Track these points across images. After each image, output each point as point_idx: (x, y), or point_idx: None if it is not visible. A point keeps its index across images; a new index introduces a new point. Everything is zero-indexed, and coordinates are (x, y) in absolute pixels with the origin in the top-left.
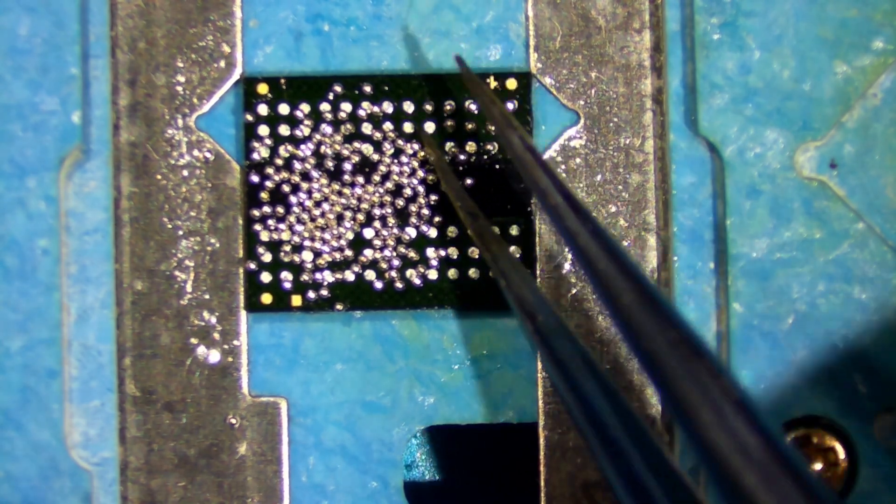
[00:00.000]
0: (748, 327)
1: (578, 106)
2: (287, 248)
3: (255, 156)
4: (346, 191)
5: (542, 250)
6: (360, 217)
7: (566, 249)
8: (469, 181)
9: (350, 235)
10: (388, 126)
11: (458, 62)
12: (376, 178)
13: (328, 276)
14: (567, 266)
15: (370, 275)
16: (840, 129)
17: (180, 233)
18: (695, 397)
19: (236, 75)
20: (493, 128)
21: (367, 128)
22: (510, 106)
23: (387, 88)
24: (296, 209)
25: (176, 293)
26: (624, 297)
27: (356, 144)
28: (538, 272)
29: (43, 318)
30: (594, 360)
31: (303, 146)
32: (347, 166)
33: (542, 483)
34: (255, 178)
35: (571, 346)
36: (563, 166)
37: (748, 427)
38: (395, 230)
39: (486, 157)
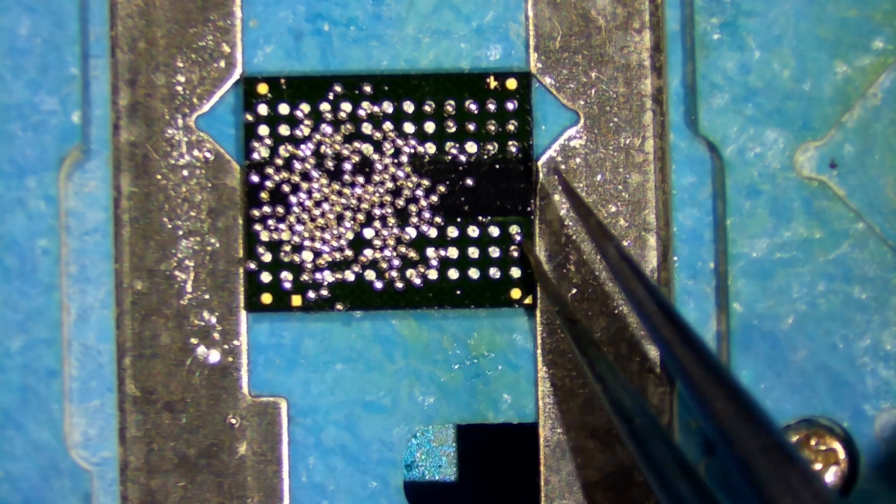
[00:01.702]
0: (748, 327)
1: (578, 106)
2: (287, 248)
3: (255, 156)
4: (346, 191)
5: (542, 250)
6: (360, 217)
7: (566, 252)
8: (469, 181)
9: (350, 235)
10: (388, 126)
11: (556, 173)
12: (376, 178)
13: (328, 276)
14: (567, 266)
15: (370, 275)
16: (840, 129)
17: (180, 233)
18: (787, 502)
19: (236, 75)
20: (589, 238)
21: (367, 128)
22: (510, 106)
23: (387, 88)
24: (296, 209)
25: (176, 293)
26: (717, 403)
27: (356, 144)
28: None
29: (43, 318)
30: (690, 462)
31: (303, 146)
32: (347, 166)
33: (542, 483)
34: (255, 178)
35: (668, 448)
36: (563, 166)
37: None
38: (395, 230)
39: (486, 157)
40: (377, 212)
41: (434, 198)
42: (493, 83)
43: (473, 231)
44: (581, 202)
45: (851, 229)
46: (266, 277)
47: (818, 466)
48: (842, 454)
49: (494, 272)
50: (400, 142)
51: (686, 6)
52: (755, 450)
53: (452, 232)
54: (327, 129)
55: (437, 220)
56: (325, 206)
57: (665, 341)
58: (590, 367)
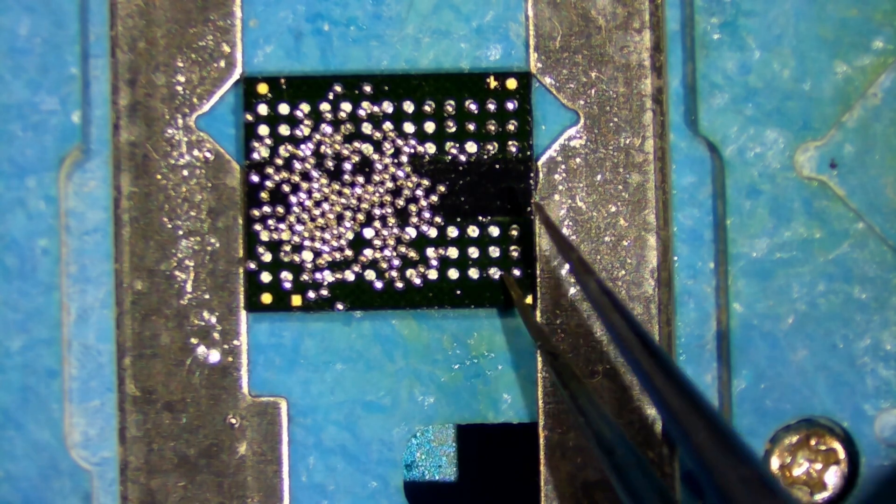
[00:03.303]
0: (748, 327)
1: (578, 106)
2: (287, 247)
3: (255, 156)
4: (346, 191)
5: (541, 250)
6: (360, 217)
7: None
8: (469, 181)
9: (350, 235)
10: (388, 126)
11: (538, 209)
12: (376, 178)
13: (328, 276)
14: (567, 266)
15: (370, 275)
16: (840, 129)
17: (180, 233)
18: None
19: (236, 75)
20: (570, 272)
21: (367, 128)
22: (510, 106)
23: (387, 88)
24: (296, 209)
25: (176, 293)
26: (698, 436)
27: (356, 144)
28: (538, 272)
29: (43, 318)
30: (671, 494)
31: (303, 146)
32: (347, 166)
33: (542, 483)
34: (255, 178)
35: (648, 481)
36: (563, 166)
37: None
38: (395, 230)
39: (486, 157)
40: (377, 212)
41: (434, 198)
42: (493, 83)
43: (473, 231)
44: (562, 237)
45: (851, 229)
46: (266, 277)
47: (818, 466)
48: (842, 454)
49: (494, 272)
50: (400, 142)
51: (686, 6)
52: (735, 481)
53: (452, 232)
54: (327, 129)
55: (437, 220)
56: (325, 206)
57: (645, 374)
58: (572, 401)
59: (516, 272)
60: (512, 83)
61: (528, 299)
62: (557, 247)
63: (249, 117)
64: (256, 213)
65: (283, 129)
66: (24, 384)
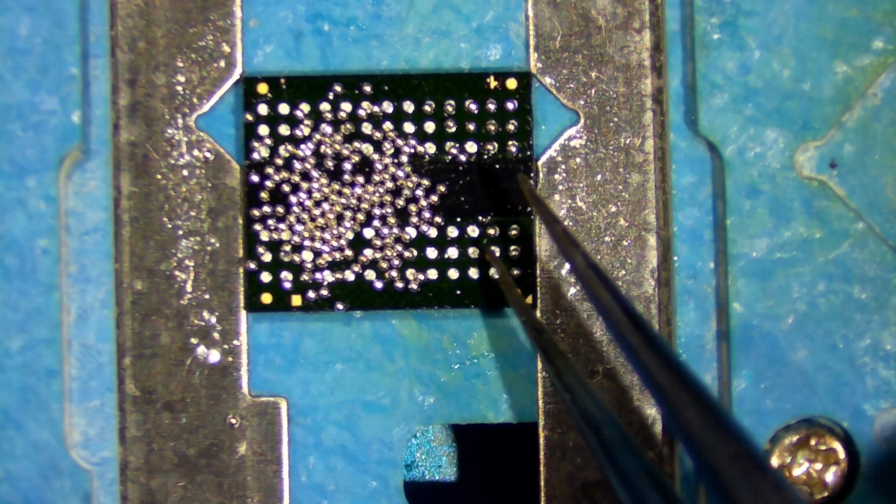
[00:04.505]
0: (748, 327)
1: (578, 106)
2: (287, 247)
3: (255, 155)
4: (346, 191)
5: (542, 250)
6: (360, 217)
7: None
8: (469, 181)
9: (350, 235)
10: (388, 126)
11: (522, 182)
12: (376, 178)
13: (328, 276)
14: (567, 266)
15: (370, 275)
16: (840, 129)
17: (180, 233)
18: None
19: (236, 75)
20: (555, 245)
21: (367, 128)
22: (510, 106)
23: (387, 88)
24: (296, 209)
25: (176, 293)
26: (686, 412)
27: (356, 144)
28: (538, 272)
29: (43, 318)
30: (658, 472)
31: (303, 146)
32: (347, 166)
33: (542, 483)
34: (255, 178)
35: (635, 459)
36: (563, 166)
37: None
38: (395, 230)
39: (486, 157)
40: (377, 212)
41: (434, 198)
42: (493, 83)
43: (473, 231)
44: (546, 209)
45: (851, 229)
46: (266, 277)
47: (818, 466)
48: (842, 454)
49: (494, 272)
50: (400, 142)
51: (686, 6)
52: (725, 458)
53: (452, 232)
54: (327, 128)
55: (437, 220)
56: (325, 205)
57: (633, 349)
58: (557, 378)
59: (516, 272)
60: (512, 83)
61: (528, 299)
62: (542, 219)
63: (249, 117)
64: (256, 213)
65: (283, 129)
66: (24, 384)
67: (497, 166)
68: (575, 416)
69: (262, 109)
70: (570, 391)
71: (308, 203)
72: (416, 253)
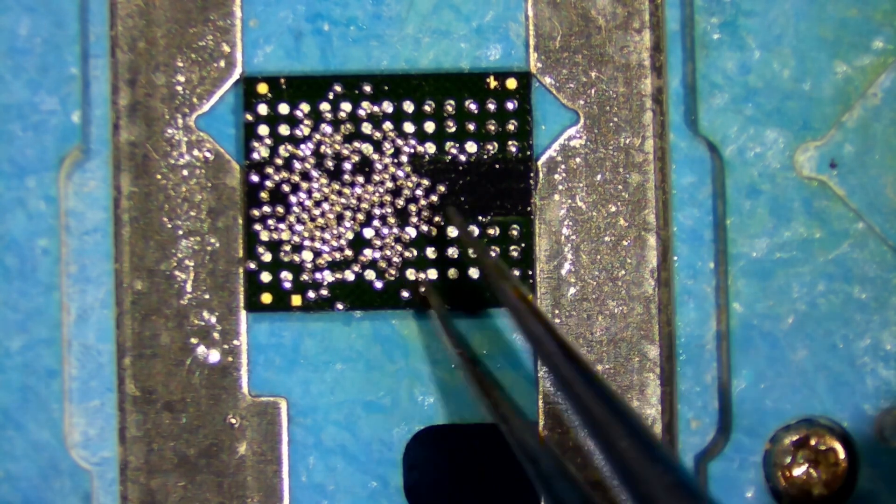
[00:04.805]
0: (748, 327)
1: (578, 106)
2: (287, 247)
3: (255, 155)
4: (346, 191)
5: (541, 250)
6: (360, 217)
7: (566, 252)
8: (469, 181)
9: (350, 235)
10: (388, 126)
11: (450, 215)
12: (376, 177)
13: (328, 276)
14: (567, 266)
15: (370, 275)
16: (840, 129)
17: (180, 233)
18: None
19: (236, 75)
20: (485, 278)
21: (367, 128)
22: (510, 106)
23: (387, 88)
24: (296, 209)
25: (176, 293)
26: (620, 443)
27: (356, 144)
28: (538, 272)
29: (43, 318)
30: (595, 501)
31: (303, 146)
32: (347, 166)
33: None
34: (255, 178)
35: (573, 489)
36: (562, 166)
37: None
38: (395, 230)
39: (486, 157)
40: (377, 212)
41: (434, 198)
42: (493, 83)
43: (473, 231)
44: (476, 242)
45: (851, 229)
46: (266, 277)
47: (818, 466)
48: (842, 454)
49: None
50: (400, 142)
51: (686, 6)
52: (660, 488)
53: (452, 232)
54: (327, 128)
55: (437, 220)
56: (325, 205)
57: (565, 381)
58: (493, 409)
59: (516, 272)
60: (512, 83)
61: (528, 299)
62: (471, 249)
63: (249, 117)
64: (256, 213)
65: (283, 129)
66: (24, 384)
67: (497, 166)
68: (513, 447)
69: (262, 109)
70: (506, 422)
71: (308, 203)
72: (416, 253)
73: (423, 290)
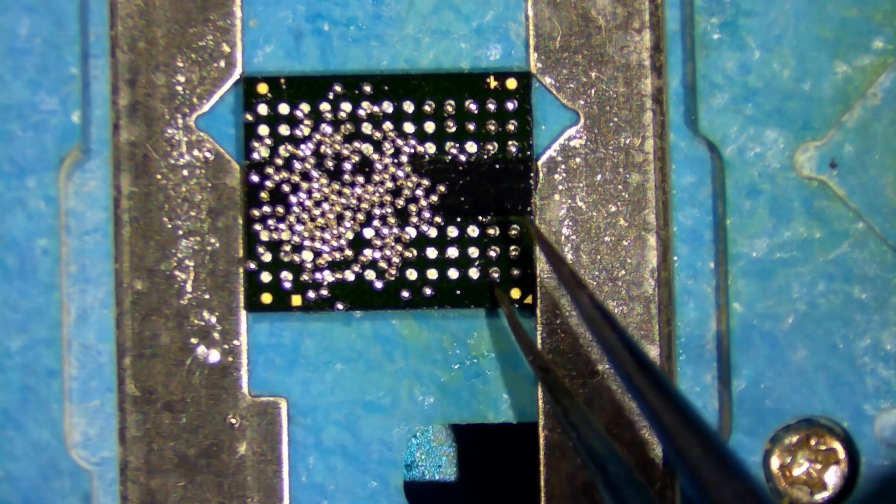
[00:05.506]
0: (748, 327)
1: (578, 106)
2: (287, 247)
3: (255, 155)
4: (346, 191)
5: (542, 250)
6: (360, 217)
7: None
8: (469, 181)
9: (350, 235)
10: (388, 126)
11: (527, 224)
12: (376, 178)
13: (328, 276)
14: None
15: (370, 275)
16: (840, 129)
17: (180, 233)
18: None
19: (236, 75)
20: (562, 288)
21: (367, 128)
22: (510, 106)
23: (387, 88)
24: (296, 209)
25: (176, 293)
26: (692, 451)
27: (356, 144)
28: (538, 272)
29: (43, 318)
30: None
31: (303, 146)
32: (347, 166)
33: (542, 483)
34: (255, 178)
35: (641, 496)
36: (563, 166)
37: None
38: (395, 230)
39: (485, 157)
40: (377, 212)
41: (434, 198)
42: (493, 83)
43: (473, 231)
44: (554, 251)
45: (851, 229)
46: (266, 277)
47: (818, 466)
48: (842, 454)
49: (494, 272)
50: (400, 142)
51: (686, 6)
52: (730, 497)
53: (452, 232)
54: (327, 128)
55: (437, 220)
56: (325, 205)
57: (638, 389)
58: (564, 416)
59: (516, 272)
60: (512, 83)
61: (528, 300)
62: (548, 261)
63: (249, 117)
64: (256, 213)
65: (283, 129)
66: (24, 384)
67: (497, 166)
68: (581, 455)
69: (262, 109)
70: (576, 429)
71: (308, 203)
72: (416, 253)
73: (496, 294)
